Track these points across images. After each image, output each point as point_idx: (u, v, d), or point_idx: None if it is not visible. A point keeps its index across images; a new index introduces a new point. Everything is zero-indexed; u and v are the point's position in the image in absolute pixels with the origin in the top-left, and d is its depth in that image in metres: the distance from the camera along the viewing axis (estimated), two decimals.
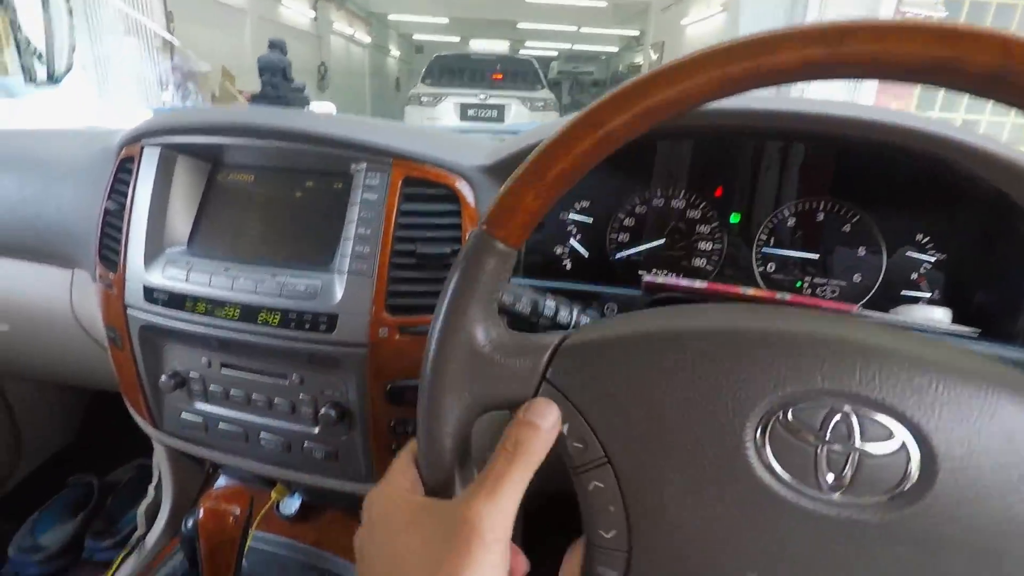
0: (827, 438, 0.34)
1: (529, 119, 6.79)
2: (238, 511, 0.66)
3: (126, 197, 0.78)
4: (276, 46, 0.76)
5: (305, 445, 0.77)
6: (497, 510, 0.34)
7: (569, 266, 0.80)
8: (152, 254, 0.75)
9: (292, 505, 0.91)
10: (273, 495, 0.89)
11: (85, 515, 1.33)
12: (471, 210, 0.70)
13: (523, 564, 0.41)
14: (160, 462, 0.96)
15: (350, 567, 0.89)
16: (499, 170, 0.71)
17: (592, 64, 15.66)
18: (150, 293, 0.74)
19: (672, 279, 0.69)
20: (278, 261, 0.74)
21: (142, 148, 0.77)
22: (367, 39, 13.71)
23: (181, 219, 0.77)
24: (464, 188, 0.70)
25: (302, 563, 0.89)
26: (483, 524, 0.34)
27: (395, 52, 17.28)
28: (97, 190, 0.84)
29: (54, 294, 0.96)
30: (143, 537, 0.94)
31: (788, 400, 0.34)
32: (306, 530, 0.92)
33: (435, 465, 0.40)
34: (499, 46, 15.74)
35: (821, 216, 0.73)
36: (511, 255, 0.38)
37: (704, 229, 0.77)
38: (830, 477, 0.34)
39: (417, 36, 18.37)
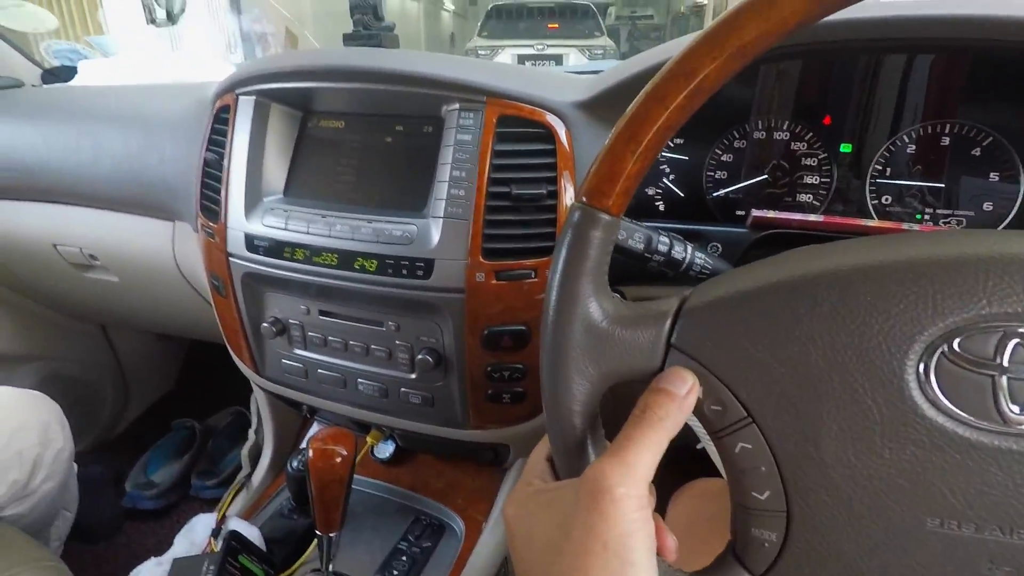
0: (1005, 365, 0.30)
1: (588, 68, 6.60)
2: (344, 452, 0.68)
3: (224, 148, 0.79)
4: None
5: (402, 391, 0.78)
6: (624, 467, 0.33)
7: (663, 207, 0.76)
8: (251, 203, 0.76)
9: (386, 450, 0.93)
10: (368, 439, 0.92)
11: (190, 456, 1.42)
12: (565, 149, 0.67)
13: (672, 541, 0.40)
14: (261, 407, 1.01)
15: (443, 509, 0.91)
16: (594, 106, 0.68)
17: (651, 7, 14.96)
18: (251, 241, 0.76)
19: (783, 214, 0.65)
20: (371, 207, 0.73)
21: (237, 97, 0.78)
22: None
23: (276, 168, 0.78)
24: (558, 126, 0.67)
25: (398, 505, 0.92)
26: (608, 480, 0.33)
27: (449, 6, 16.99)
28: (195, 143, 0.86)
29: (157, 246, 1.00)
30: (249, 476, 0.99)
31: (951, 330, 0.31)
32: (400, 474, 0.94)
33: (567, 447, 0.39)
34: None
35: (946, 140, 0.66)
36: (616, 224, 0.36)
37: (811, 162, 0.71)
38: (1015, 408, 0.30)
39: None
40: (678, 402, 0.34)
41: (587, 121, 0.68)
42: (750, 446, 0.35)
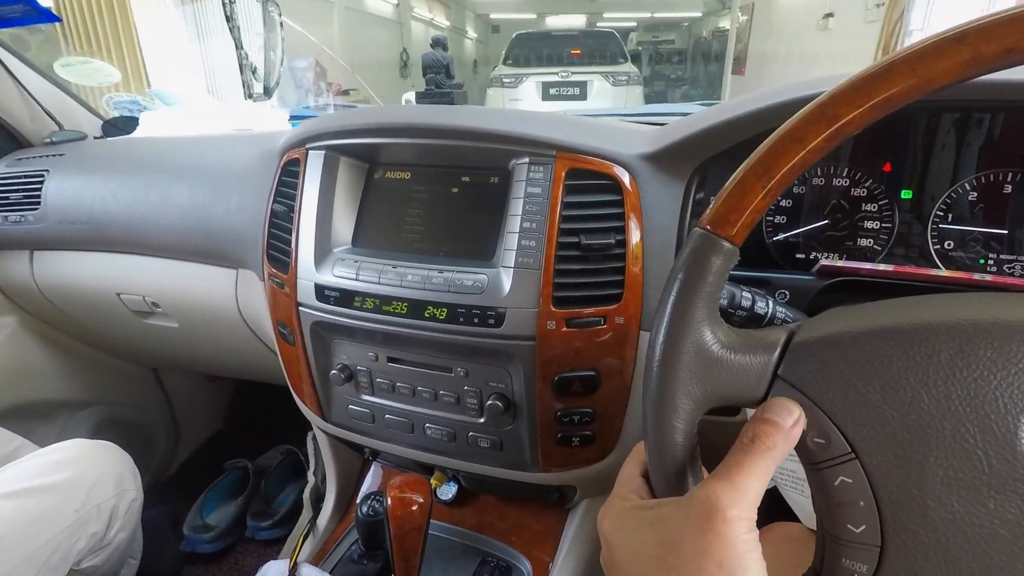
0: None
1: (612, 95, 6.66)
2: (421, 500, 0.69)
3: (293, 200, 0.82)
4: (439, 43, 0.78)
5: (470, 435, 0.79)
6: (734, 491, 0.34)
7: None
8: (321, 254, 0.79)
9: (449, 491, 0.94)
10: (432, 481, 0.93)
11: (244, 497, 1.44)
12: (633, 199, 0.69)
13: None
14: (322, 450, 1.02)
15: (508, 550, 0.91)
16: (660, 158, 0.69)
17: (673, 32, 15.05)
18: (321, 291, 0.78)
19: (852, 264, 0.65)
20: (439, 256, 0.75)
21: (307, 152, 0.81)
22: (446, 22, 13.83)
23: (344, 219, 0.81)
24: (625, 177, 0.69)
25: (464, 546, 0.92)
26: (721, 501, 0.34)
27: (472, 34, 17.34)
28: (260, 193, 0.90)
29: (220, 293, 1.03)
30: (313, 520, 1.01)
31: None
32: (464, 515, 0.95)
33: (667, 464, 0.40)
34: (576, 20, 15.44)
35: (1009, 188, 0.66)
36: (735, 254, 0.37)
37: (871, 207, 0.72)
38: None
39: (494, 15, 18.34)
40: (784, 433, 0.36)
41: (652, 172, 0.69)
42: (851, 481, 0.35)
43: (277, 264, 0.84)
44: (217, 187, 0.97)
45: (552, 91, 6.67)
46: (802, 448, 0.37)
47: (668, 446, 0.39)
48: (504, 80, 6.80)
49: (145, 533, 1.16)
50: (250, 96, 1.14)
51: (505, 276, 0.69)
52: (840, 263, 0.63)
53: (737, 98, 0.69)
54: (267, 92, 1.15)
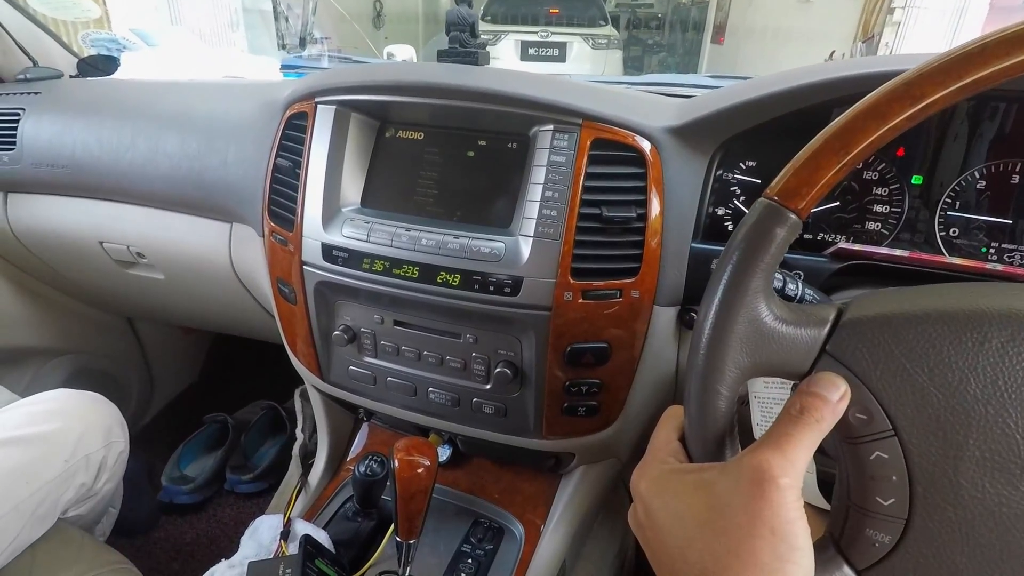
0: None
1: (591, 58, 6.56)
2: (428, 463, 0.69)
3: (299, 155, 0.79)
4: (464, 0, 0.75)
5: (474, 401, 0.79)
6: (785, 460, 0.35)
7: (731, 227, 0.78)
8: (330, 213, 0.77)
9: (444, 453, 0.95)
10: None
11: (224, 451, 1.43)
12: (656, 172, 0.69)
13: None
14: (315, 409, 1.02)
15: (502, 512, 0.93)
16: (686, 132, 0.69)
17: None
18: (329, 251, 0.76)
19: (868, 247, 0.67)
20: (452, 221, 0.74)
21: (316, 106, 0.78)
22: None
23: (353, 178, 0.79)
24: (650, 150, 0.69)
25: (457, 507, 0.94)
26: (773, 470, 0.35)
27: None
28: (261, 146, 0.86)
29: (212, 247, 1.00)
30: (304, 478, 1.01)
31: None
32: (458, 476, 0.96)
33: (708, 430, 0.41)
34: None
35: (1016, 179, 0.68)
36: (799, 227, 0.37)
37: (882, 191, 0.73)
38: None
39: None
40: (831, 407, 0.37)
41: (677, 146, 0.69)
42: (887, 456, 0.37)
43: (280, 221, 0.82)
44: (212, 137, 0.93)
45: (531, 51, 6.52)
46: (843, 422, 0.38)
47: (711, 412, 0.40)
48: (483, 37, 6.62)
49: (124, 483, 1.15)
50: (283, 47, 1.08)
51: (524, 245, 0.68)
52: (857, 246, 0.64)
53: (767, 76, 0.68)
54: (302, 43, 1.10)
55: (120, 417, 0.97)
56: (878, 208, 0.72)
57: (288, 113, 0.83)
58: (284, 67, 1.26)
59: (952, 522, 0.36)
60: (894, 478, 0.37)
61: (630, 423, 0.79)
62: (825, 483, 0.59)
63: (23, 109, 1.09)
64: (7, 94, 1.13)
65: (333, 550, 0.83)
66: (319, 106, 0.78)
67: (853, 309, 0.39)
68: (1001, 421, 0.35)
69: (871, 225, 0.73)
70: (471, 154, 0.75)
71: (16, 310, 1.32)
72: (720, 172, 0.72)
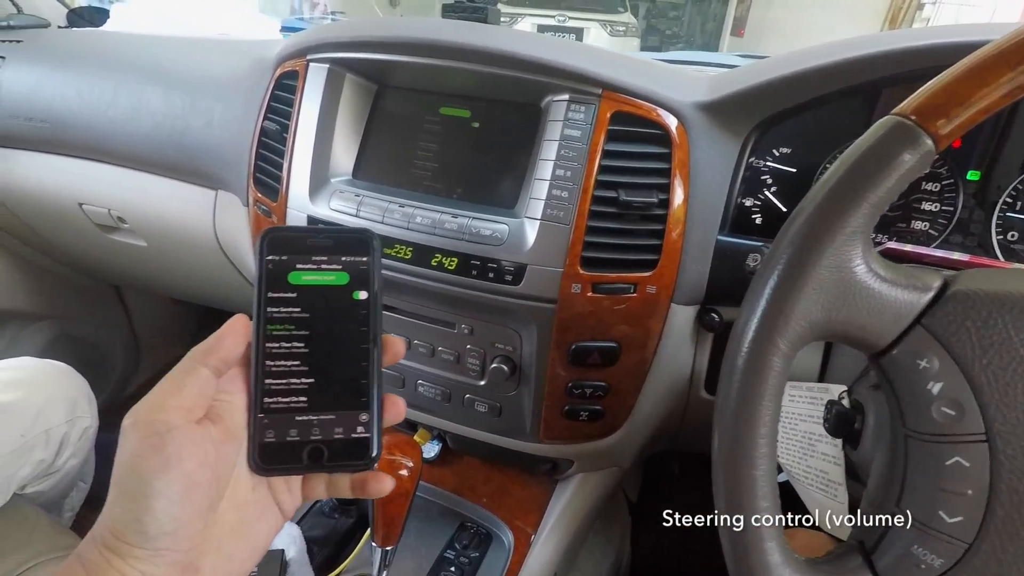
0: None
1: (608, 45, 6.42)
2: (411, 464, 0.62)
3: (287, 118, 0.72)
4: None
5: (466, 397, 0.73)
6: None
7: (760, 220, 0.70)
8: (317, 183, 0.69)
9: (432, 449, 0.88)
10: (416, 439, 0.87)
11: None
12: (682, 154, 0.61)
13: None
14: None
15: (490, 516, 0.86)
16: (719, 109, 0.61)
17: None
18: (315, 225, 0.69)
19: (920, 249, 0.59)
20: (451, 199, 0.67)
21: (307, 64, 0.70)
22: None
23: (345, 146, 0.71)
24: (676, 128, 0.61)
25: (442, 508, 0.87)
26: None
27: None
28: (249, 108, 0.79)
29: (195, 214, 0.93)
30: None
31: None
32: (445, 475, 0.89)
33: (749, 382, 0.33)
34: None
35: None
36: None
37: (932, 187, 0.65)
38: None
39: None
40: None
41: (707, 124, 0.61)
42: (968, 465, 0.30)
43: (265, 189, 0.75)
44: (197, 96, 0.85)
45: (548, 35, 6.40)
46: (923, 415, 0.31)
47: (759, 372, 0.32)
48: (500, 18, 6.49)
49: (97, 455, 1.09)
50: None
51: (529, 228, 0.61)
52: (907, 247, 0.57)
53: (810, 47, 0.60)
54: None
55: (88, 390, 0.91)
56: (927, 206, 0.64)
57: (278, 72, 0.75)
58: (284, 28, 1.19)
59: None
60: (969, 492, 0.31)
61: (636, 431, 0.72)
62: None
63: (2, 57, 1.02)
64: None
65: (306, 547, 0.77)
66: (311, 64, 0.70)
67: (965, 280, 0.32)
68: None
69: (918, 225, 0.65)
70: (476, 125, 0.67)
71: None
72: (753, 160, 0.64)
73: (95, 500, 1.09)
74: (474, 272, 0.63)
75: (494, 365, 0.68)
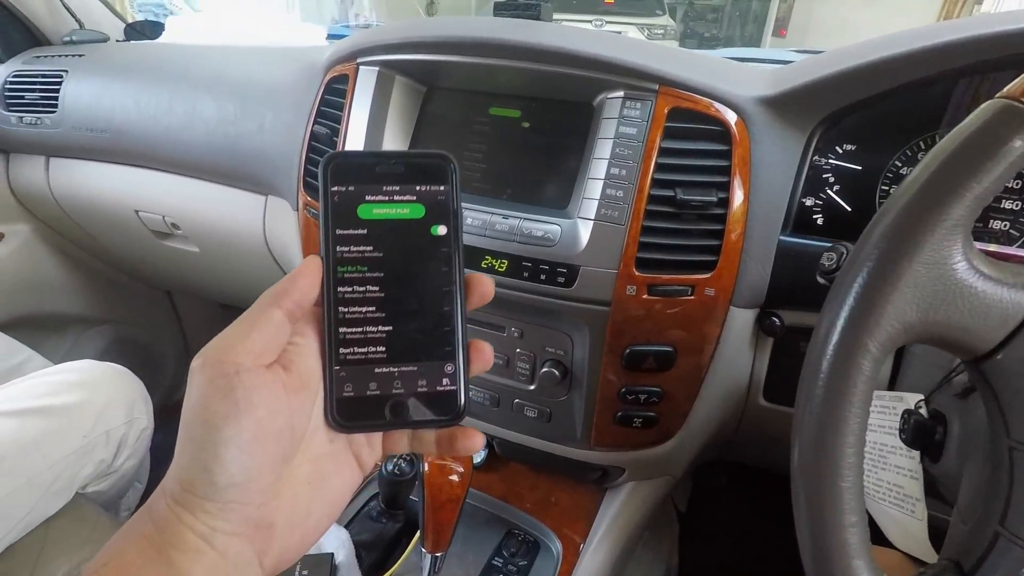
0: None
1: None
2: (462, 469, 0.62)
3: (337, 122, 0.72)
4: None
5: (515, 402, 0.71)
6: None
7: (821, 221, 0.67)
8: None
9: (479, 455, 0.87)
10: None
11: None
12: (742, 151, 0.59)
13: None
14: None
15: (537, 524, 0.84)
16: (783, 103, 0.59)
17: None
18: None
19: (1010, 250, 0.55)
20: (502, 200, 0.66)
21: (357, 67, 0.71)
22: None
23: (394, 148, 0.71)
24: (737, 124, 0.58)
25: (489, 515, 0.86)
26: None
27: None
28: (299, 113, 0.80)
29: (246, 220, 0.94)
30: None
31: None
32: (492, 481, 0.88)
33: (836, 384, 0.30)
34: None
35: None
36: None
37: (1013, 184, 0.61)
38: None
39: None
40: None
41: (769, 120, 0.59)
42: None
43: (315, 193, 0.75)
44: (249, 102, 0.87)
45: (601, 31, 6.39)
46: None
47: (851, 368, 0.29)
48: None
49: (152, 456, 1.11)
50: None
51: (583, 229, 0.60)
52: (993, 247, 0.53)
53: (874, 39, 0.57)
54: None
55: (145, 392, 0.93)
56: (1007, 204, 0.60)
57: (328, 76, 0.76)
58: (330, 36, 1.20)
59: None
60: None
61: (691, 439, 0.70)
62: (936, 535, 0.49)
63: (66, 71, 1.05)
64: (51, 56, 1.10)
65: (354, 551, 0.76)
66: (361, 68, 0.70)
67: None
68: None
69: (996, 224, 0.61)
70: (527, 124, 0.66)
71: (57, 276, 1.31)
72: (817, 158, 0.61)
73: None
74: (525, 274, 0.62)
75: (544, 369, 0.67)
